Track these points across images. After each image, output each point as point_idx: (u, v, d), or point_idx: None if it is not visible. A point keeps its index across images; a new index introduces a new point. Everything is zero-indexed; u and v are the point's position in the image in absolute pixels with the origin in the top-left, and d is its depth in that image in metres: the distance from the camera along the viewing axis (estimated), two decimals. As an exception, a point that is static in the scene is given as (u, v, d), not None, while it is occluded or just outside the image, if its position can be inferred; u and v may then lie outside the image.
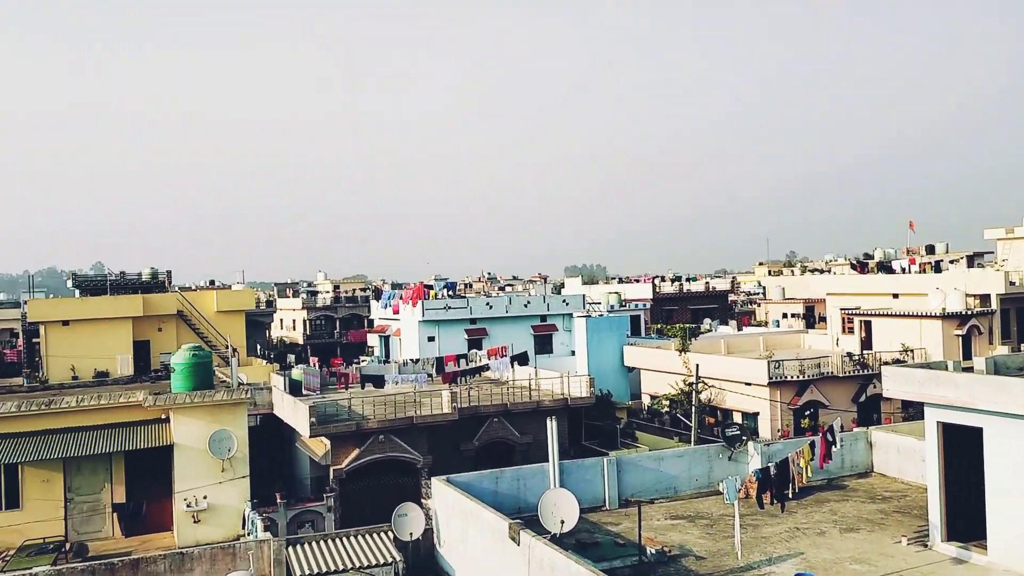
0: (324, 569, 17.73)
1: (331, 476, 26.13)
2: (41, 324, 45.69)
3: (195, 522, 22.17)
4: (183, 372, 23.19)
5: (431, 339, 45.49)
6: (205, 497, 22.26)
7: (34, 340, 50.19)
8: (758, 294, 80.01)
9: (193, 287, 65.40)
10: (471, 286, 78.26)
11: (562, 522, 17.46)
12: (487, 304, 47.52)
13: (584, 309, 49.13)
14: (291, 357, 55.06)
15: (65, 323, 45.28)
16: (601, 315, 48.83)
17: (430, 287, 50.93)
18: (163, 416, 23.16)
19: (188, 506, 22.10)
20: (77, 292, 52.04)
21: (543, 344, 46.89)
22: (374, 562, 18.18)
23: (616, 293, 60.33)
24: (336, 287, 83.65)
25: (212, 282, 71.60)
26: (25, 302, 60.83)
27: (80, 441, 22.26)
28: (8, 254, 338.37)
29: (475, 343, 44.45)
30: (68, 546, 21.79)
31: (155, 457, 23.08)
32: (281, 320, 74.30)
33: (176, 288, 54.12)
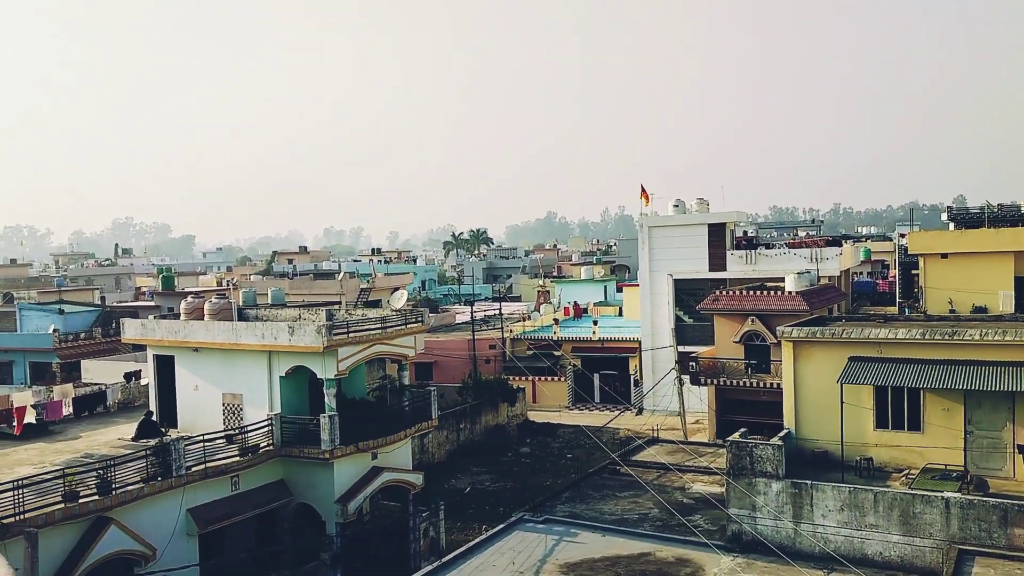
0: None
1: None
2: (920, 256, 46.68)
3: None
4: (1108, 313, 20.14)
5: None
6: None
7: (912, 272, 51.85)
8: None
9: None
10: None
11: None
12: None
13: None
14: None
15: (943, 256, 45.14)
16: None
17: None
18: (1079, 360, 20.64)
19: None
20: (951, 225, 51.37)
21: None
22: None
23: None
24: None
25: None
26: (902, 235, 63.50)
27: (983, 375, 21.61)
28: (874, 190, 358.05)
29: None
30: (968, 477, 21.60)
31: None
32: None
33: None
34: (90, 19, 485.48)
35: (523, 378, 51.94)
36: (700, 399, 37.16)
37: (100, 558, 19.95)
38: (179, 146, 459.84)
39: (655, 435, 31.26)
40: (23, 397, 25.52)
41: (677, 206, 52.05)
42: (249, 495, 24.24)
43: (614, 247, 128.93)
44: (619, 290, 77.74)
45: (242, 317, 29.60)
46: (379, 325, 26.42)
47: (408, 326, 27.53)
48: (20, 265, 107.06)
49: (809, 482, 19.97)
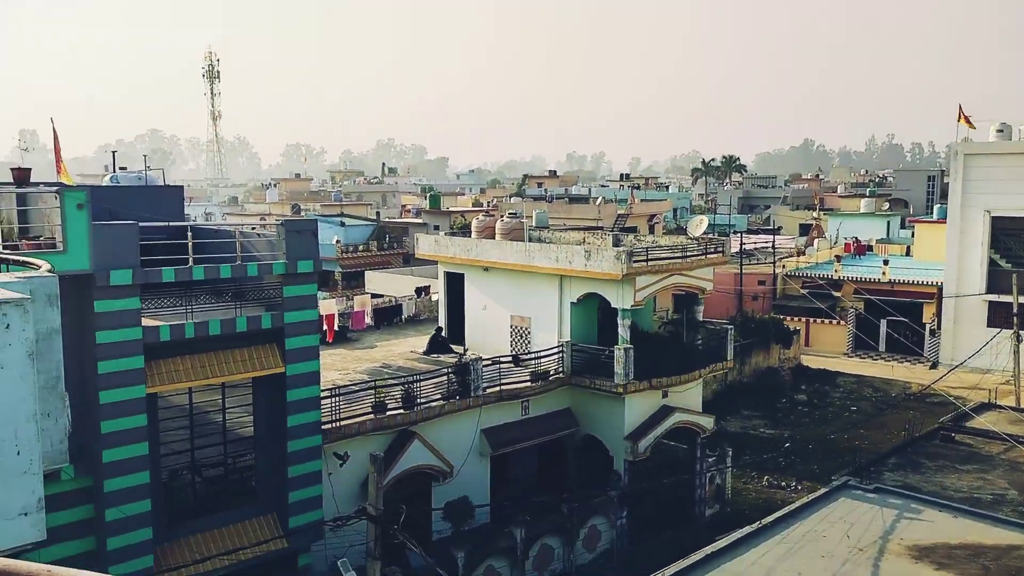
0: None
1: None
2: None
3: None
4: None
5: None
6: None
7: None
8: None
9: None
10: None
11: None
12: None
13: None
14: None
15: None
16: None
17: None
18: None
19: None
20: None
21: None
22: None
23: None
24: None
25: None
26: None
27: None
28: None
29: None
30: None
31: None
32: None
33: None
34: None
35: (797, 319, 47.84)
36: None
37: (404, 471, 20.04)
38: (431, 72, 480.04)
39: (991, 399, 26.60)
40: (328, 305, 26.42)
41: (1002, 131, 44.45)
42: (537, 421, 23.54)
43: (890, 179, 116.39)
44: (903, 226, 69.68)
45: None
46: (679, 254, 24.24)
47: (708, 256, 25.12)
48: (303, 180, 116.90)
49: None
